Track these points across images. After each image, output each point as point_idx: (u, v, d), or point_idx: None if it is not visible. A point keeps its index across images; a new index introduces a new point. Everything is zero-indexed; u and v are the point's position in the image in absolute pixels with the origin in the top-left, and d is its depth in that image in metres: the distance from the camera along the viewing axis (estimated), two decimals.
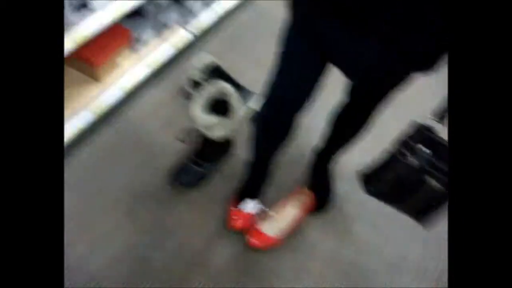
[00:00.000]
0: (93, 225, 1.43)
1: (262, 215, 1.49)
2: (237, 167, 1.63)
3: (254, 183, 1.52)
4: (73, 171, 1.54)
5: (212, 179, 1.59)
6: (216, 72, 1.74)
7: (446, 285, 0.59)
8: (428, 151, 0.90)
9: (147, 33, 1.67)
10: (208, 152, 1.53)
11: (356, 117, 1.30)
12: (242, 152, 1.68)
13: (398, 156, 0.95)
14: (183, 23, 1.83)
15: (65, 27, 1.24)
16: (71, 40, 1.24)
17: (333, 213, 1.58)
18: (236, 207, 1.49)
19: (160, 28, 1.72)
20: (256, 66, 1.97)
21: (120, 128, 1.69)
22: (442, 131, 0.90)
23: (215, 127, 1.43)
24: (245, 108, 1.70)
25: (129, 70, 1.65)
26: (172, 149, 1.65)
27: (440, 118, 0.90)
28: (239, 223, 1.46)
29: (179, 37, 1.81)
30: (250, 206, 1.47)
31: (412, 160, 0.91)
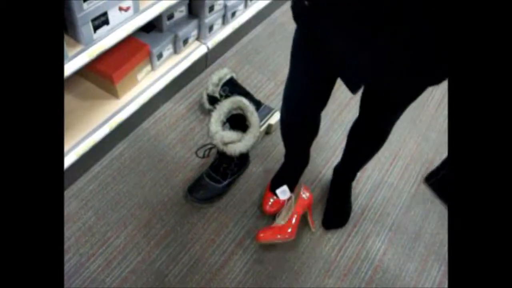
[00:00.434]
0: (109, 239, 1.44)
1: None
2: (254, 183, 1.63)
3: (288, 172, 1.58)
4: (89, 186, 1.55)
5: (228, 194, 1.59)
6: (233, 87, 1.75)
7: None
8: None
9: (165, 48, 1.69)
10: (225, 168, 1.53)
11: (369, 130, 1.30)
12: (260, 168, 1.68)
13: None
14: (200, 37, 1.85)
15: (85, 43, 1.27)
16: (88, 54, 1.27)
17: (350, 229, 1.57)
18: (270, 193, 1.55)
19: (178, 42, 1.74)
20: (272, 79, 1.98)
21: (137, 142, 1.70)
22: None
23: (232, 143, 1.43)
24: (262, 123, 1.70)
25: (148, 85, 1.67)
26: (189, 164, 1.66)
27: None
28: (271, 208, 1.53)
29: (195, 51, 1.82)
30: (283, 193, 1.53)
31: None
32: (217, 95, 1.72)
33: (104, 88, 1.61)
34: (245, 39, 2.16)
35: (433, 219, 1.62)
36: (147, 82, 1.67)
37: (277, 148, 1.74)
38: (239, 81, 1.84)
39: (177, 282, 1.38)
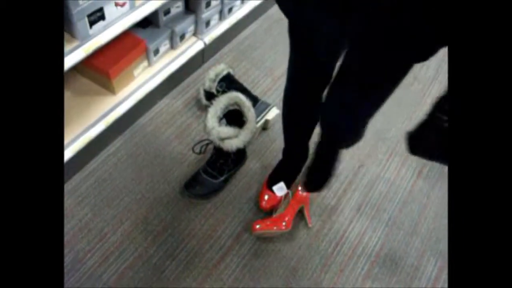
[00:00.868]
0: (106, 235, 1.44)
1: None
2: (251, 178, 1.63)
3: (285, 168, 1.57)
4: (86, 182, 1.55)
5: (225, 190, 1.60)
6: (230, 82, 1.74)
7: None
8: None
9: (161, 44, 1.68)
10: (222, 163, 1.53)
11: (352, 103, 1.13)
12: (256, 163, 1.68)
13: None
14: (197, 33, 1.85)
15: (80, 38, 1.26)
16: (84, 50, 1.26)
17: (346, 225, 1.57)
18: (267, 189, 1.55)
19: (175, 38, 1.73)
20: (269, 75, 1.98)
21: (133, 138, 1.70)
22: None
23: (229, 138, 1.43)
24: (259, 119, 1.70)
25: (144, 80, 1.66)
26: (186, 159, 1.66)
27: None
28: (267, 204, 1.53)
29: (192, 46, 1.82)
30: (280, 190, 1.52)
31: None
32: (214, 90, 1.72)
33: (100, 84, 1.60)
34: (242, 35, 2.16)
35: (429, 214, 1.63)
36: (143, 78, 1.67)
37: (274, 144, 1.74)
38: (236, 77, 1.84)
39: (174, 278, 1.38)
